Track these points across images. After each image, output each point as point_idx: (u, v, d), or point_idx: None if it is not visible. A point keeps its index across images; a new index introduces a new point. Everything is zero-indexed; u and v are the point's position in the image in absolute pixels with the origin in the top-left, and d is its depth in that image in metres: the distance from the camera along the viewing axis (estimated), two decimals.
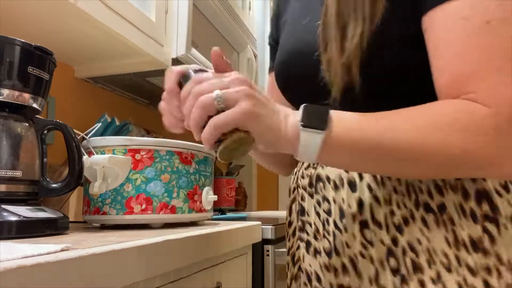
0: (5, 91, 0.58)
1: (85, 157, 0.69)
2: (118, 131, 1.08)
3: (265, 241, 1.00)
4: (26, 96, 0.60)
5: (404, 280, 0.44)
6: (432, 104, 0.40)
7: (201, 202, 0.82)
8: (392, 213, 0.46)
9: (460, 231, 0.43)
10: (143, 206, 0.73)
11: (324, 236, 0.52)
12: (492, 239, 0.42)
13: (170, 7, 1.15)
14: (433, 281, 0.43)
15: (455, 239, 0.43)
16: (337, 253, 0.50)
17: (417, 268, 0.44)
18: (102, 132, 1.04)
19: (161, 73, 1.17)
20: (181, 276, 0.65)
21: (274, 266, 0.99)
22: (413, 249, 0.45)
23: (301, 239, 0.56)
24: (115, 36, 0.94)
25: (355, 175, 0.50)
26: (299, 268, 0.57)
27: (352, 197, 0.50)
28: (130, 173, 0.73)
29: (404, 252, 0.45)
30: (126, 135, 1.11)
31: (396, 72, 0.45)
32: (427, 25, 0.41)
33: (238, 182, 2.12)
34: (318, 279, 0.51)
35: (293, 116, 0.41)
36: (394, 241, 0.46)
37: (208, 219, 1.08)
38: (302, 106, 0.41)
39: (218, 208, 1.65)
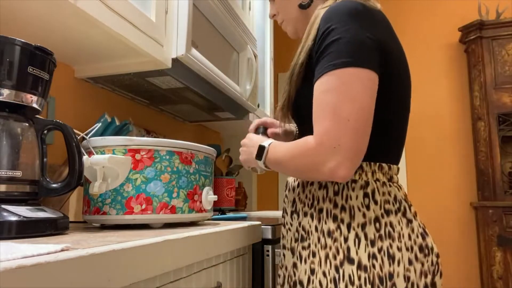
0: (5, 91, 0.58)
1: (85, 157, 0.69)
2: (118, 131, 1.08)
3: (265, 241, 1.00)
4: (26, 96, 0.60)
5: (297, 245, 0.77)
6: (302, 139, 0.71)
7: (201, 202, 0.82)
8: (302, 208, 0.79)
9: (324, 224, 0.73)
10: (143, 206, 0.73)
11: (283, 217, 0.87)
12: (340, 233, 0.70)
13: (170, 7, 1.15)
14: (305, 248, 0.75)
15: (321, 228, 0.73)
16: (284, 226, 0.85)
17: (303, 239, 0.76)
18: (102, 132, 1.04)
19: (161, 73, 1.17)
20: (181, 276, 0.65)
21: (274, 266, 0.99)
22: (304, 229, 0.77)
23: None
24: (115, 36, 0.94)
25: (295, 184, 0.83)
26: None
27: (291, 196, 0.84)
28: (130, 173, 0.73)
29: (301, 230, 0.77)
30: (126, 135, 1.11)
31: (310, 119, 0.72)
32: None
33: (238, 182, 2.12)
34: (281, 239, 0.87)
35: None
36: (299, 223, 0.78)
37: (208, 219, 1.08)
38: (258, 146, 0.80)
39: (218, 208, 1.65)
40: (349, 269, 0.67)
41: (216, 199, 0.87)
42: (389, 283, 0.66)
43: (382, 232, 0.69)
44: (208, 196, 0.84)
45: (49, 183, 0.63)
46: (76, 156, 0.63)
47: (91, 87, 1.29)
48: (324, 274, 0.69)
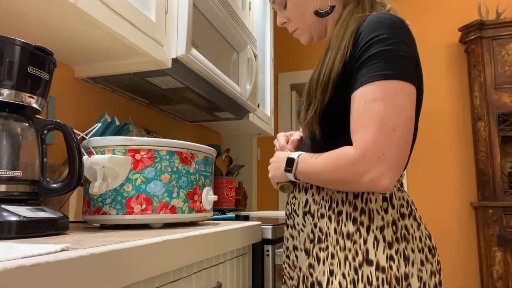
0: (5, 91, 0.58)
1: (85, 157, 0.69)
2: (118, 131, 1.08)
3: (265, 241, 1.00)
4: (26, 96, 0.60)
5: (313, 246, 0.77)
6: (339, 149, 0.71)
7: (201, 202, 0.82)
8: (318, 209, 0.78)
9: (343, 227, 0.73)
10: (143, 206, 0.73)
11: (291, 218, 0.86)
12: (360, 235, 0.71)
13: (170, 7, 1.15)
14: (323, 250, 0.75)
15: (340, 230, 0.73)
16: (295, 228, 0.84)
17: (320, 241, 0.76)
18: (102, 132, 1.04)
19: (161, 73, 1.17)
20: (181, 276, 0.65)
21: (274, 266, 0.99)
22: (321, 230, 0.76)
23: (286, 219, 0.91)
24: (115, 36, 0.94)
25: (307, 185, 0.82)
26: None
27: (303, 197, 0.82)
28: (130, 173, 0.73)
29: (317, 231, 0.77)
30: (126, 135, 1.11)
31: (339, 128, 0.74)
32: (351, 99, 0.71)
33: (238, 182, 2.12)
34: (288, 241, 0.87)
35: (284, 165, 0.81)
36: (315, 225, 0.78)
37: (208, 219, 1.08)
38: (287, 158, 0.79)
39: (218, 208, 1.65)
40: (367, 270, 0.69)
41: (216, 199, 0.87)
42: (404, 283, 0.68)
43: (398, 234, 0.71)
44: (208, 196, 0.84)
45: (49, 183, 0.63)
46: (76, 156, 0.63)
47: (91, 87, 1.29)
48: (343, 275, 0.70)
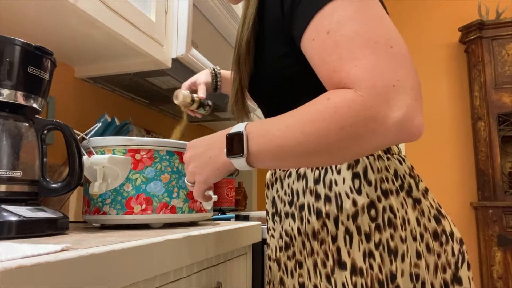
0: (5, 91, 0.58)
1: (85, 157, 0.69)
2: (118, 131, 1.08)
3: (265, 241, 1.00)
4: (26, 96, 0.60)
5: (283, 254, 0.63)
6: (319, 97, 0.46)
7: (201, 202, 0.82)
8: (283, 208, 0.64)
9: (307, 225, 0.58)
10: (143, 206, 0.73)
11: (266, 221, 0.72)
12: (327, 232, 0.56)
13: (170, 7, 1.14)
14: (290, 258, 0.62)
15: (304, 230, 0.59)
16: (267, 233, 0.71)
17: (287, 247, 0.62)
18: (102, 132, 1.04)
19: (161, 73, 1.17)
20: (181, 276, 0.65)
21: None
22: (287, 234, 0.62)
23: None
24: (115, 36, 0.94)
25: (273, 179, 0.68)
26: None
27: (271, 195, 0.68)
28: (130, 173, 0.73)
29: (284, 235, 0.63)
30: (126, 135, 1.11)
31: (273, 96, 0.62)
32: (303, 50, 0.51)
33: (238, 182, 2.12)
34: (267, 249, 0.72)
35: (222, 150, 0.52)
36: (282, 227, 0.64)
37: (208, 219, 1.08)
38: (225, 137, 0.51)
39: (218, 208, 1.65)
40: (341, 276, 0.54)
41: (216, 199, 0.86)
42: (390, 286, 0.52)
43: (379, 220, 0.54)
44: None
45: (49, 183, 0.63)
46: (76, 156, 0.63)
47: (91, 87, 1.29)
48: (316, 287, 0.56)
